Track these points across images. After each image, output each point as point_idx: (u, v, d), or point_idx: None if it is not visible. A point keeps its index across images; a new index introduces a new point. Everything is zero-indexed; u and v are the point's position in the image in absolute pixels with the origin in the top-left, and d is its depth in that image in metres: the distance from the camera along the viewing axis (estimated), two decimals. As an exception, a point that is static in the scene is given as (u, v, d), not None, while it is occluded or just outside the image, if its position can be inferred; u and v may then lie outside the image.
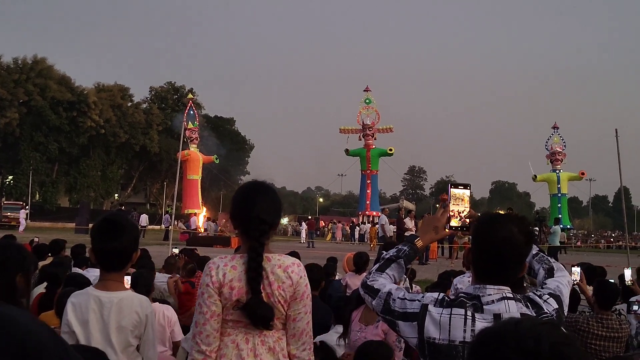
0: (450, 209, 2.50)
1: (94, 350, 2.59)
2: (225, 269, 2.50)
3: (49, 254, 7.83)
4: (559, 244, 22.38)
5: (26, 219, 37.03)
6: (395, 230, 23.50)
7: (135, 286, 4.32)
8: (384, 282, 2.41)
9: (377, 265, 2.52)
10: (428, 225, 2.56)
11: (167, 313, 4.75)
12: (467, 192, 2.53)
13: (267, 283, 2.49)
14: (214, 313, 2.47)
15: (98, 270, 6.30)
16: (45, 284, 5.64)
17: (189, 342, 2.79)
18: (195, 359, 2.48)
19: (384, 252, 2.63)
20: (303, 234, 38.31)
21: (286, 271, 2.53)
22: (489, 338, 1.15)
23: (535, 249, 2.53)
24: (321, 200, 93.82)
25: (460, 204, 2.51)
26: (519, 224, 2.18)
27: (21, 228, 34.07)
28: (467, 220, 2.48)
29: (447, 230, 2.53)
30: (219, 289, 2.47)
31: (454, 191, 2.53)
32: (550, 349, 1.06)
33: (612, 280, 6.39)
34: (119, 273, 3.04)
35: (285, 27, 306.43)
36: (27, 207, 40.91)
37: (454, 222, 2.50)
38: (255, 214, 2.53)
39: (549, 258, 2.53)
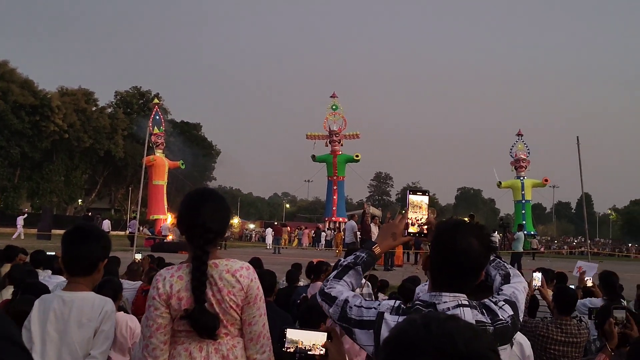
0: (408, 216, 2.49)
1: None
2: (172, 279, 2.48)
3: (6, 261, 7.68)
4: (522, 250, 22.59)
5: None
6: (360, 236, 23.51)
7: (101, 290, 4.28)
8: (341, 290, 2.39)
9: (334, 273, 2.50)
10: (386, 231, 2.55)
11: (131, 324, 4.68)
12: (425, 198, 2.51)
13: (216, 290, 2.48)
14: (160, 325, 2.45)
15: (61, 277, 6.25)
16: (11, 289, 5.65)
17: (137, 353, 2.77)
18: None
19: (341, 259, 2.61)
20: (269, 240, 38.24)
21: (234, 275, 2.51)
22: (400, 345, 1.12)
23: (492, 256, 2.53)
24: (288, 206, 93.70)
25: (418, 212, 2.49)
26: (479, 235, 2.19)
27: (20, 235, 33.98)
28: (425, 227, 2.47)
29: (405, 236, 2.52)
30: (166, 301, 2.45)
31: (412, 198, 2.51)
32: (466, 346, 1.06)
33: (573, 286, 6.50)
34: (84, 277, 3.11)
35: (252, 33, 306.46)
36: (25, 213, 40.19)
37: (412, 229, 2.48)
38: (200, 222, 2.51)
39: (506, 264, 2.54)
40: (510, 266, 2.54)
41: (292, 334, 2.27)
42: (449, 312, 2.12)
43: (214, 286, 2.47)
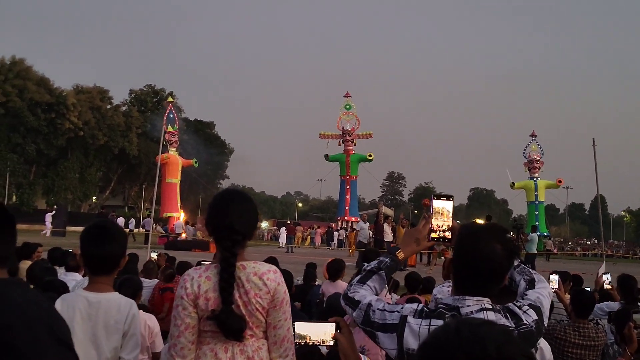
0: (432, 223, 2.49)
1: None
2: (200, 280, 2.49)
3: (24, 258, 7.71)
4: (535, 252, 22.50)
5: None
6: (373, 235, 23.53)
7: (121, 288, 4.31)
8: (365, 294, 2.41)
9: (358, 277, 2.51)
10: (409, 237, 2.56)
11: (149, 323, 4.72)
12: (449, 203, 2.50)
13: (243, 292, 2.49)
14: (189, 325, 2.47)
15: (76, 274, 6.27)
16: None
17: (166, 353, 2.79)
18: None
19: (365, 263, 2.62)
20: (282, 239, 38.29)
21: (262, 278, 2.52)
22: (431, 348, 1.12)
23: (516, 261, 2.53)
24: (300, 205, 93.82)
25: (440, 218, 2.48)
26: (502, 240, 2.19)
27: (47, 232, 34.04)
28: (448, 233, 2.47)
29: (428, 242, 2.52)
30: (194, 301, 2.47)
31: (436, 203, 2.49)
32: (497, 350, 1.05)
33: (589, 289, 6.48)
34: (107, 276, 3.13)
35: (266, 32, 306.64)
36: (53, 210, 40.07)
37: (435, 235, 2.48)
38: (228, 223, 2.52)
39: (530, 270, 2.54)
40: (535, 272, 2.54)
41: (300, 327, 2.29)
42: (472, 316, 2.12)
43: (241, 288, 2.48)
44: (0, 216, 1.89)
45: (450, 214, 2.49)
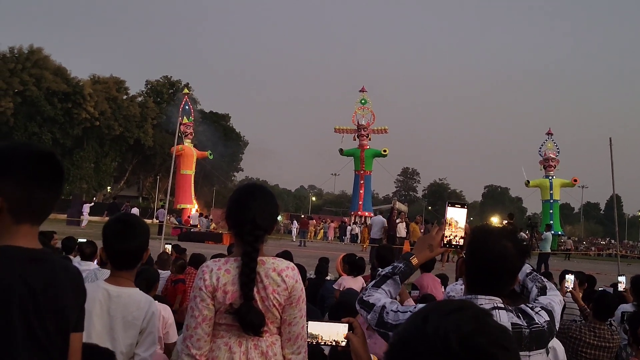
0: (445, 232, 2.49)
1: (104, 350, 2.71)
2: (219, 272, 2.49)
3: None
4: (549, 251, 22.35)
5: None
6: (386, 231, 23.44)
7: (136, 279, 4.31)
8: (379, 297, 2.42)
9: (373, 282, 2.53)
10: (423, 243, 2.57)
11: (164, 313, 4.72)
12: (463, 212, 2.47)
13: (261, 287, 2.48)
14: (206, 317, 2.46)
15: (91, 262, 6.28)
16: None
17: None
18: None
19: (380, 269, 2.63)
20: (294, 233, 38.33)
21: (280, 275, 2.52)
22: (398, 344, 1.00)
23: (529, 268, 2.62)
24: (314, 199, 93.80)
25: (449, 229, 2.46)
26: (513, 239, 2.24)
27: (84, 223, 33.54)
28: (461, 240, 2.45)
29: (442, 247, 2.51)
30: (212, 293, 2.46)
31: (450, 210, 2.47)
32: (460, 344, 0.92)
33: (611, 291, 6.43)
34: (129, 271, 3.12)
35: (282, 25, 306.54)
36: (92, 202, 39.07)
37: (447, 240, 2.46)
38: (250, 218, 2.52)
39: (542, 277, 2.61)
40: (547, 280, 2.60)
41: (313, 327, 2.28)
42: (455, 299, 2.10)
43: (259, 283, 2.48)
44: (43, 164, 1.91)
45: (464, 223, 2.46)
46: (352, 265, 7.54)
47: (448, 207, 2.48)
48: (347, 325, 2.29)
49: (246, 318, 2.42)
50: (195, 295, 2.49)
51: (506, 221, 21.18)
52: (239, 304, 2.44)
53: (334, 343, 2.30)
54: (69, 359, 1.95)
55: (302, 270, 5.85)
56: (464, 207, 2.50)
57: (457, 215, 2.46)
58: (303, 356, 2.59)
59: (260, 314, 2.45)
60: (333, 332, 2.29)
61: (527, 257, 2.34)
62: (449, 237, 2.45)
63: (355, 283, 7.22)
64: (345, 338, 2.28)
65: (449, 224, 2.45)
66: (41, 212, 1.92)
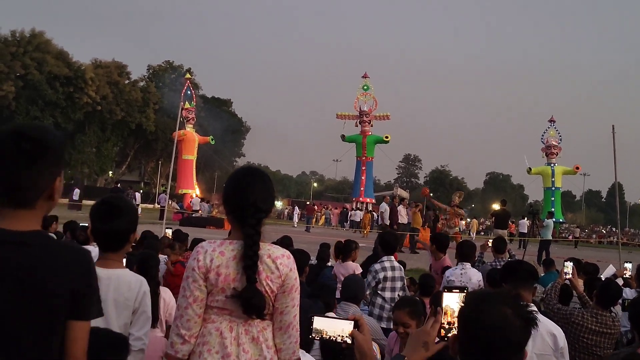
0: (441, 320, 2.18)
1: (117, 335, 2.74)
2: (214, 254, 2.48)
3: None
4: (550, 238, 22.35)
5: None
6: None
7: (142, 265, 4.30)
8: None
9: None
10: (417, 339, 2.17)
11: (164, 296, 4.72)
12: (461, 295, 2.12)
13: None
14: (197, 298, 2.45)
15: (90, 246, 6.30)
16: None
17: None
18: (174, 342, 2.46)
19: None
20: (295, 218, 38.45)
21: (275, 262, 2.51)
22: None
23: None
24: (315, 185, 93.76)
25: (449, 316, 2.14)
26: (514, 305, 1.84)
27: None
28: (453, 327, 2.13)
29: (437, 344, 2.18)
30: (205, 274, 2.45)
31: (447, 297, 2.17)
32: None
33: (603, 277, 6.45)
34: (117, 253, 3.14)
35: (285, 11, 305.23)
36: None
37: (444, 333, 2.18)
38: (252, 201, 2.51)
39: None
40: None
41: (318, 322, 2.27)
42: None
43: None
44: (3, 143, 1.87)
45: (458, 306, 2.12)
46: (339, 251, 7.70)
47: (444, 293, 2.18)
48: (352, 322, 2.26)
49: (251, 301, 2.41)
50: (187, 275, 2.48)
51: (499, 206, 21.01)
52: (233, 287, 2.43)
53: (338, 339, 2.28)
54: (68, 348, 1.91)
55: (305, 255, 5.84)
56: (463, 292, 2.14)
57: (453, 302, 2.13)
58: (293, 346, 2.57)
59: (263, 297, 2.44)
60: (338, 328, 2.26)
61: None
62: (446, 327, 2.13)
63: (344, 268, 7.34)
64: (350, 335, 2.25)
65: (445, 313, 2.14)
66: (17, 192, 1.86)
